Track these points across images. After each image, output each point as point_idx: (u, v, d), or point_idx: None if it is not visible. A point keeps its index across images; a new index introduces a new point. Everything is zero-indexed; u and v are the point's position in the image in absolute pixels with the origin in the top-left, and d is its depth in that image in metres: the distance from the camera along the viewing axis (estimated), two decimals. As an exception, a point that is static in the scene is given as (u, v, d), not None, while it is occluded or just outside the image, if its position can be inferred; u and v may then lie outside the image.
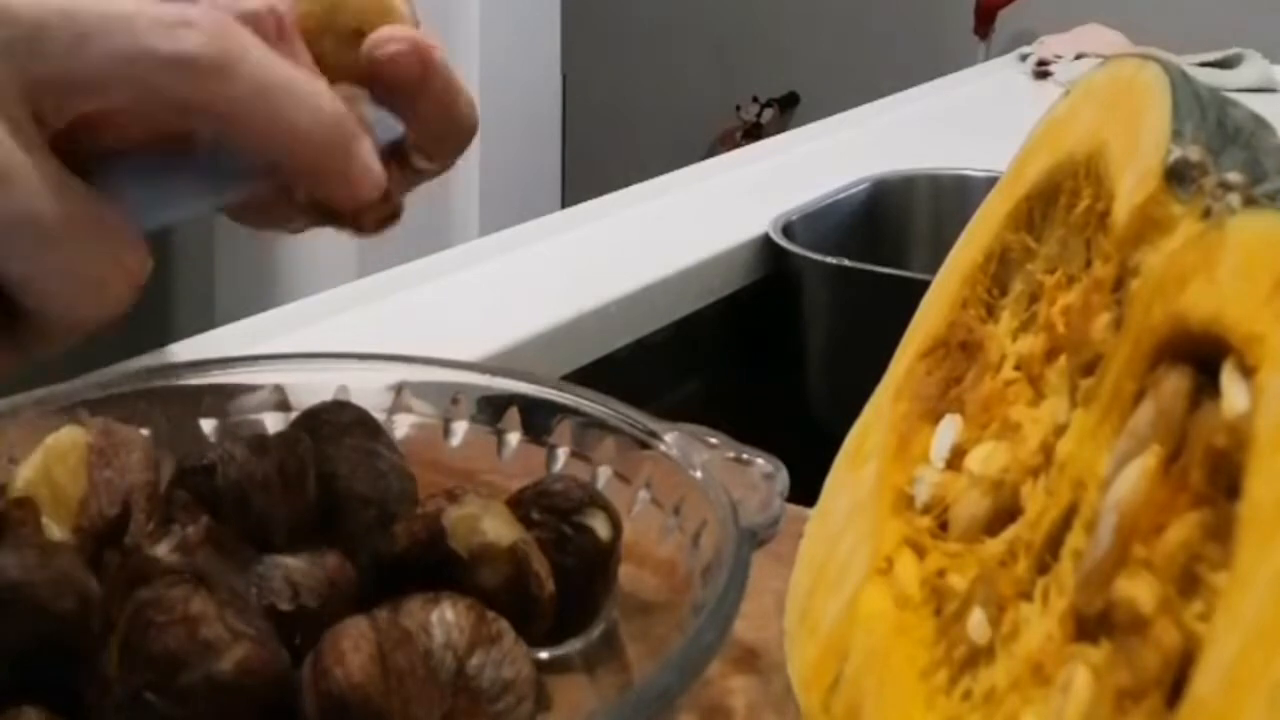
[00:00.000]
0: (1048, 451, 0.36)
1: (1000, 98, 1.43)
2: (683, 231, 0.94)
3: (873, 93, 1.37)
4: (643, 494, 0.44)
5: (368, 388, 0.48)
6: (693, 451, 0.43)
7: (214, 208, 0.40)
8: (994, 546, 0.36)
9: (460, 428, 0.49)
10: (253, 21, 0.38)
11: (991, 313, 0.42)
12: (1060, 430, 0.36)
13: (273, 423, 0.47)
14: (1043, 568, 0.34)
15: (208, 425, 0.48)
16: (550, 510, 0.41)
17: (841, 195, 1.03)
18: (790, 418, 0.92)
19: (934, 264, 0.44)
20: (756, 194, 1.02)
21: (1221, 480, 0.29)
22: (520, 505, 0.42)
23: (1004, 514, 0.36)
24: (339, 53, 0.42)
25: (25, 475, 0.40)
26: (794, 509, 0.42)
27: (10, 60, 0.34)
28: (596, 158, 3.06)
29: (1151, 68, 0.39)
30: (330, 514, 0.42)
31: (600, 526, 0.42)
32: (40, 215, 0.34)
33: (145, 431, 0.45)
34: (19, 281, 0.35)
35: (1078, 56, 1.50)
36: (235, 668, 0.33)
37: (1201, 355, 0.31)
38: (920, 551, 0.38)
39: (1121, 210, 0.37)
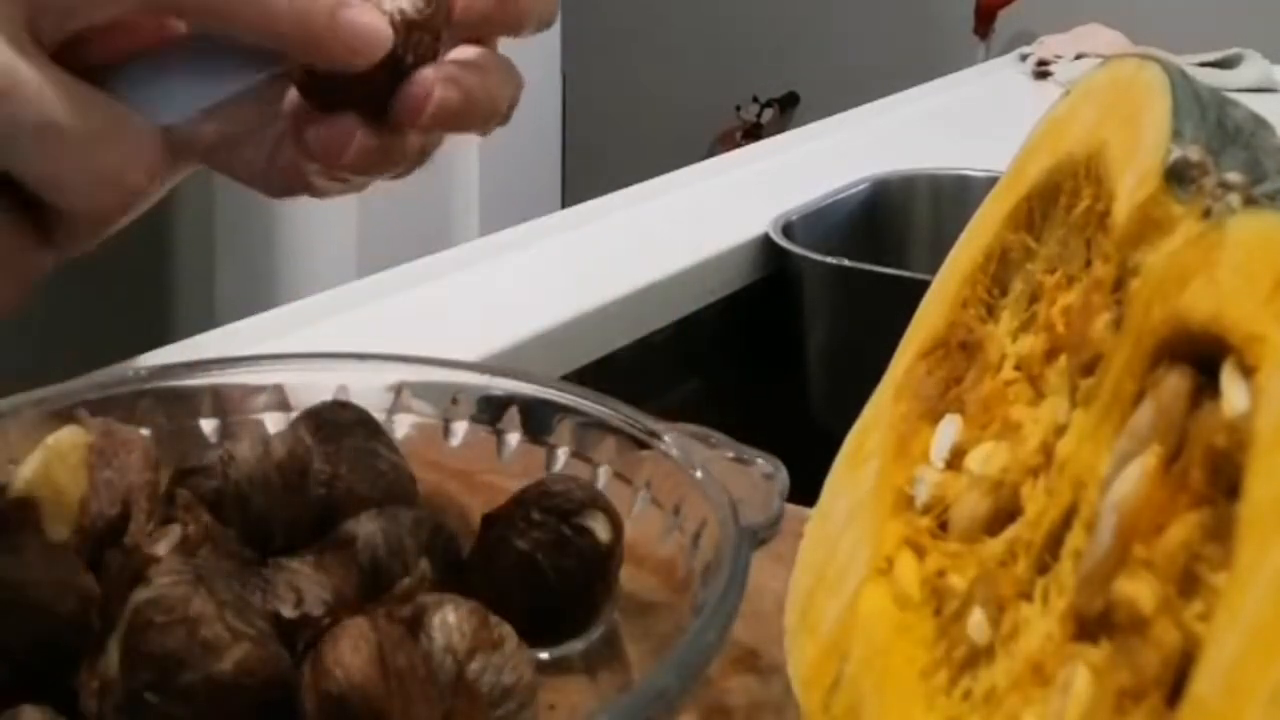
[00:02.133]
0: (1048, 451, 0.36)
1: (1000, 98, 1.43)
2: (683, 231, 0.94)
3: (873, 93, 1.37)
4: (643, 494, 0.44)
5: (368, 388, 0.48)
6: (693, 451, 0.43)
7: (225, 97, 0.42)
8: (994, 546, 0.36)
9: (460, 428, 0.49)
10: None
11: (991, 313, 0.42)
12: (1060, 430, 0.36)
13: (273, 423, 0.47)
14: (1043, 568, 0.34)
15: (208, 425, 0.48)
16: (551, 511, 0.41)
17: (841, 195, 1.03)
18: (790, 418, 0.92)
19: (934, 264, 0.44)
20: (756, 194, 1.02)
21: (1221, 480, 0.29)
22: (520, 505, 0.42)
23: (1004, 514, 0.36)
24: None
25: (25, 475, 0.40)
26: (794, 509, 0.42)
27: None
28: (596, 158, 3.06)
29: (1151, 68, 0.39)
30: (330, 514, 0.42)
31: (601, 528, 0.42)
32: (54, 118, 0.38)
33: (145, 431, 0.45)
34: (42, 181, 0.39)
35: (1078, 56, 1.50)
36: (235, 668, 0.33)
37: (1201, 355, 0.31)
38: (920, 551, 0.38)
39: (1121, 210, 0.37)
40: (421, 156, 0.46)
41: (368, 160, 0.44)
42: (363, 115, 0.43)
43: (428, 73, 0.43)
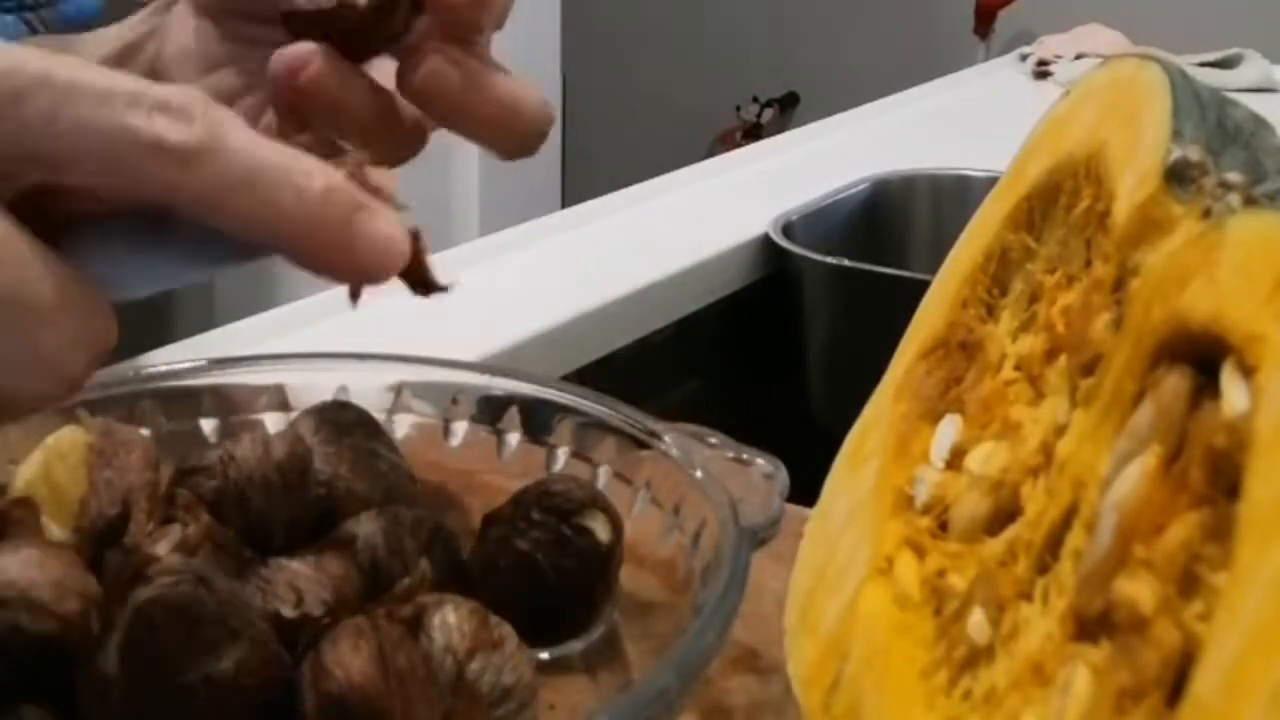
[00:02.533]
0: (1048, 451, 0.36)
1: (1000, 98, 1.43)
2: (683, 231, 0.94)
3: (873, 93, 1.37)
4: (643, 494, 0.44)
5: (368, 388, 0.48)
6: (693, 451, 0.43)
7: (198, 282, 0.37)
8: (994, 546, 0.36)
9: (460, 428, 0.49)
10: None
11: (991, 313, 0.42)
12: (1060, 430, 0.36)
13: (273, 423, 0.47)
14: (1043, 568, 0.34)
15: (208, 425, 0.48)
16: (551, 511, 0.41)
17: (841, 195, 1.03)
18: (790, 418, 0.92)
19: (934, 264, 0.44)
20: (756, 194, 1.02)
21: (1221, 480, 0.29)
22: (521, 506, 0.42)
23: (1004, 514, 0.36)
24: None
25: (25, 475, 0.40)
26: (794, 509, 0.42)
27: None
28: (596, 158, 3.06)
29: (1151, 68, 0.39)
30: (330, 514, 0.42)
31: (601, 529, 0.42)
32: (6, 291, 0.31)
33: (145, 431, 0.45)
34: None
35: (1078, 56, 1.50)
36: (235, 668, 0.33)
37: (1201, 355, 0.31)
38: (920, 551, 0.38)
39: (1121, 210, 0.37)
40: (416, 137, 0.45)
41: (331, 95, 0.41)
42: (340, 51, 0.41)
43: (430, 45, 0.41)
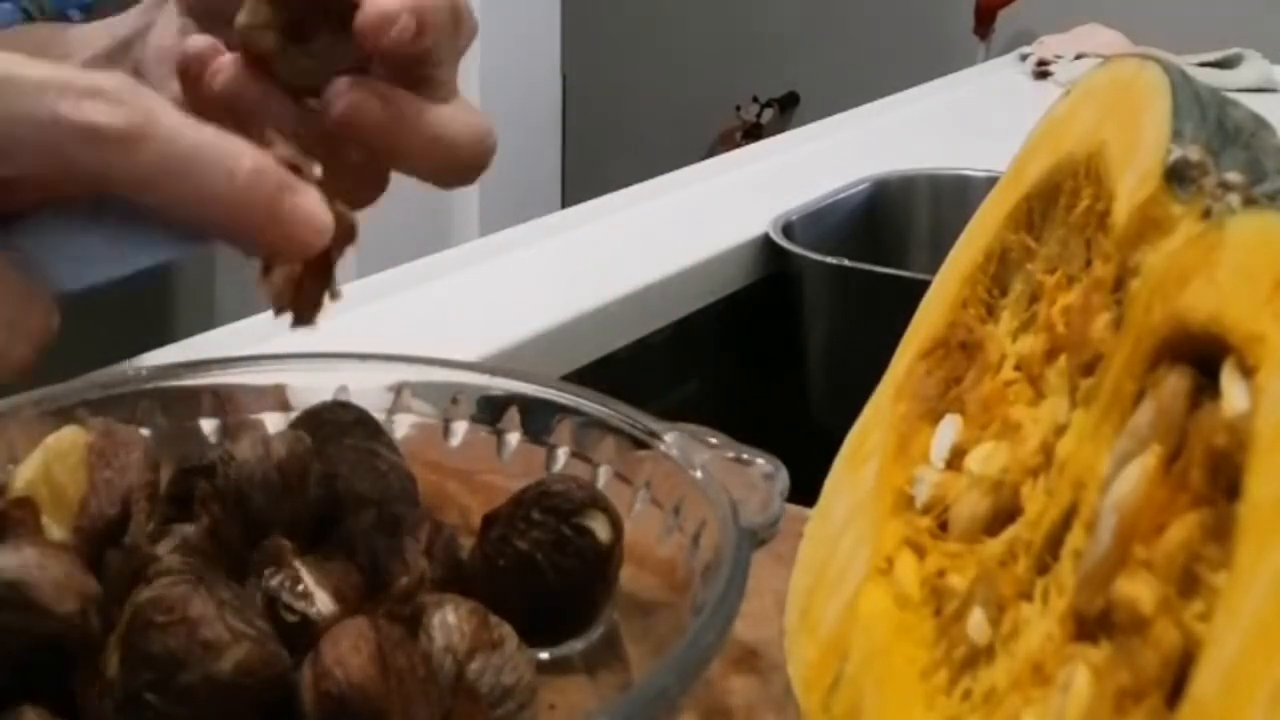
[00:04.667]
0: (1048, 451, 0.36)
1: (1000, 98, 1.43)
2: (683, 231, 0.94)
3: (873, 93, 1.37)
4: (643, 494, 0.44)
5: (368, 388, 0.48)
6: (693, 451, 0.43)
7: (139, 268, 0.38)
8: (994, 546, 0.36)
9: (460, 428, 0.49)
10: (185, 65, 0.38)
11: (991, 313, 0.42)
12: (1060, 430, 0.36)
13: (273, 423, 0.47)
14: (1043, 568, 0.34)
15: (208, 425, 0.48)
16: (551, 511, 0.41)
17: (841, 195, 1.03)
18: (790, 418, 0.92)
19: (934, 264, 0.44)
20: (756, 194, 1.02)
21: (1221, 480, 0.29)
22: (521, 506, 0.42)
23: (1004, 514, 0.36)
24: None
25: (25, 475, 0.40)
26: (794, 509, 0.42)
27: None
28: (596, 158, 3.06)
29: (1151, 68, 0.39)
30: (330, 514, 0.42)
31: (600, 528, 0.42)
32: None
33: (145, 431, 0.45)
34: None
35: (1078, 56, 1.50)
36: (235, 668, 0.33)
37: (1201, 355, 0.31)
38: (920, 551, 0.38)
39: (1121, 210, 0.37)
40: (375, 174, 0.45)
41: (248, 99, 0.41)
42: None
43: (344, 81, 0.41)
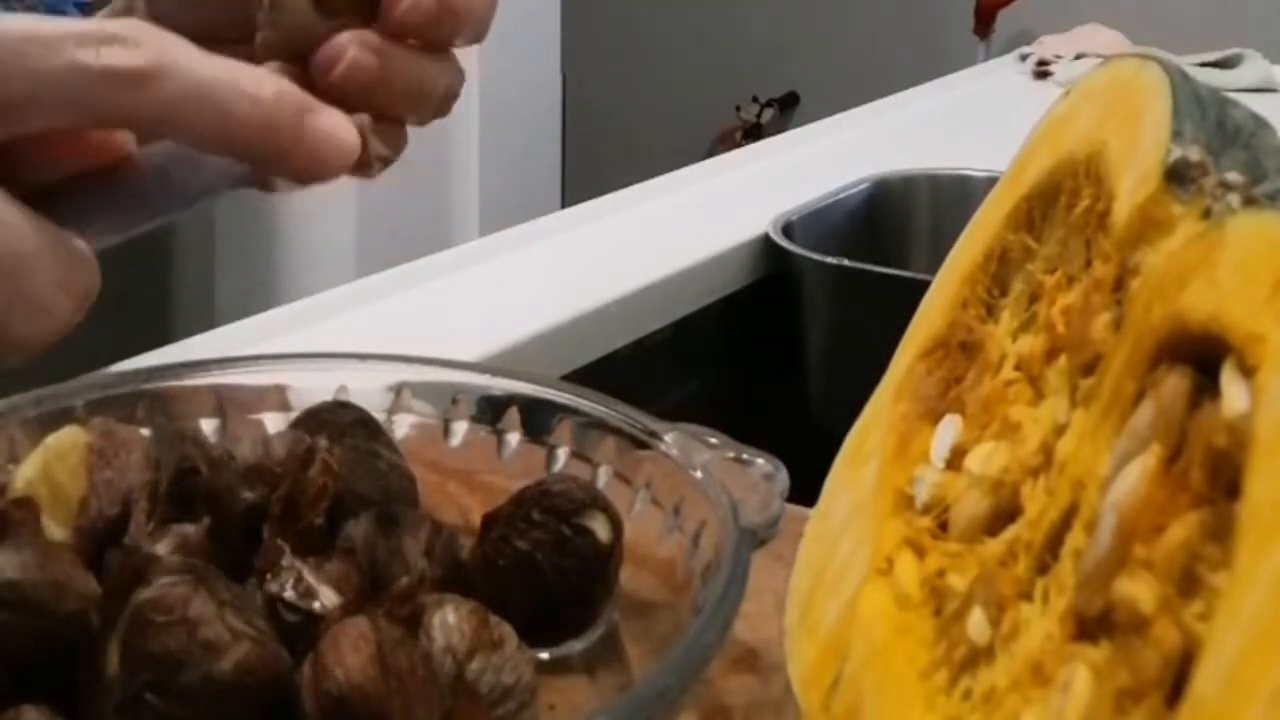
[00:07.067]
0: (1048, 451, 0.36)
1: (1000, 98, 1.44)
2: (683, 231, 0.95)
3: (873, 93, 1.37)
4: (643, 494, 0.44)
5: (368, 388, 0.48)
6: (693, 451, 0.43)
7: (169, 220, 0.40)
8: (994, 546, 0.36)
9: (460, 428, 0.49)
10: None
11: (991, 313, 0.42)
12: (1060, 430, 0.36)
13: (273, 423, 0.47)
14: (1043, 568, 0.34)
15: (208, 425, 0.48)
16: (551, 511, 0.41)
17: (841, 195, 1.03)
18: (790, 418, 0.92)
19: (934, 264, 0.44)
20: (756, 194, 1.02)
21: (1221, 480, 0.29)
22: (521, 506, 0.42)
23: (1004, 514, 0.36)
24: None
25: (25, 475, 0.40)
26: (794, 509, 0.42)
27: None
28: (596, 158, 3.06)
29: (1151, 68, 0.39)
30: (330, 514, 0.42)
31: (600, 528, 0.42)
32: None
33: (145, 431, 0.45)
34: None
35: (1077, 56, 1.50)
36: (235, 668, 0.33)
37: (1201, 355, 0.31)
38: (920, 551, 0.38)
39: (1121, 210, 0.37)
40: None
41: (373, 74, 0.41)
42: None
43: (345, 36, 0.41)
